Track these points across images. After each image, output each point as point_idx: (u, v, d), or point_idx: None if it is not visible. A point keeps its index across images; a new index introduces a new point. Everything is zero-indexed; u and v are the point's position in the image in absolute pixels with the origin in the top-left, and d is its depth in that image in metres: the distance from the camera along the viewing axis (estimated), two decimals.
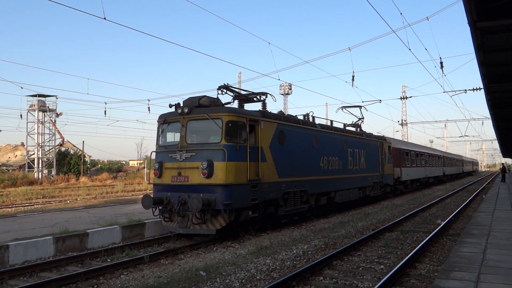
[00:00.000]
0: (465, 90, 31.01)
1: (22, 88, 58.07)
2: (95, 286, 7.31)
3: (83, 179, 45.83)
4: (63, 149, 52.49)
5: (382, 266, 8.04)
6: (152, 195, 11.12)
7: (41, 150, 47.60)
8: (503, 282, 5.60)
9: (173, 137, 11.56)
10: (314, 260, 8.17)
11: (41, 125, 47.28)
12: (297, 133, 13.43)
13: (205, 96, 11.26)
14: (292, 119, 13.59)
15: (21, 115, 45.60)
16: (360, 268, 7.94)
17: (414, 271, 7.71)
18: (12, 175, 42.37)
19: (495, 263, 6.63)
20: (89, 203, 20.91)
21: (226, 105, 11.78)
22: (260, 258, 8.55)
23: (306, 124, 14.29)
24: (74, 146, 61.30)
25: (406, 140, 49.37)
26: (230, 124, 10.64)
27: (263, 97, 12.94)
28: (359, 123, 20.96)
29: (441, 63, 19.62)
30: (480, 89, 29.02)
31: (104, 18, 11.56)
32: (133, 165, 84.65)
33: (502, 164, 56.79)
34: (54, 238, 9.52)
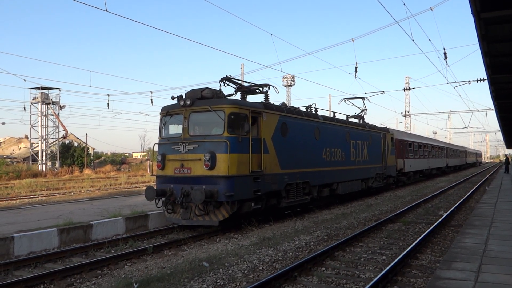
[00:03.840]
0: (469, 81, 30.82)
1: (25, 80, 58.22)
2: (99, 277, 7.39)
3: (86, 171, 46.01)
4: (66, 141, 52.65)
5: (384, 257, 8.08)
6: (155, 187, 11.18)
7: (45, 143, 47.78)
8: (505, 272, 5.62)
9: (175, 129, 11.59)
10: (317, 251, 8.21)
11: (44, 117, 47.40)
12: (300, 125, 13.42)
13: (207, 88, 11.26)
14: (295, 110, 13.57)
15: (24, 108, 45.74)
16: (362, 259, 7.98)
17: (416, 262, 7.75)
18: (16, 167, 42.61)
19: (496, 254, 6.65)
20: (93, 195, 21.04)
21: (228, 97, 11.77)
22: (263, 249, 8.61)
23: (308, 115, 14.27)
24: (77, 138, 61.47)
25: (409, 132, 49.24)
26: (232, 116, 10.65)
27: (265, 89, 12.92)
28: (362, 115, 20.91)
29: (445, 54, 19.54)
30: (484, 80, 28.83)
31: (106, 10, 11.54)
32: (136, 157, 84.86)
33: (506, 155, 56.60)
34: (59, 230, 9.60)
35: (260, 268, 7.33)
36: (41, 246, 9.18)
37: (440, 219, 11.73)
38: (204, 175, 10.43)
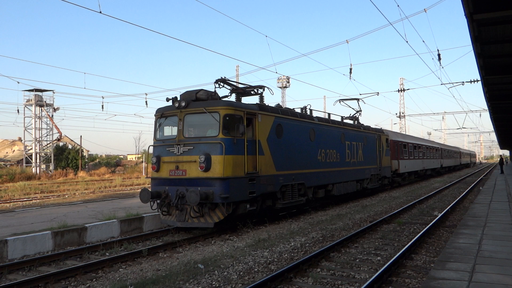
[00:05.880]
0: (463, 82, 31.06)
1: (18, 83, 57.67)
2: (94, 279, 7.35)
3: (81, 173, 45.78)
4: (60, 143, 52.37)
5: (379, 258, 8.10)
6: (150, 189, 11.15)
7: (39, 145, 47.50)
8: (498, 272, 5.66)
9: (170, 131, 11.57)
10: (312, 252, 8.22)
11: (38, 120, 47.13)
12: (295, 126, 13.45)
13: (202, 89, 11.25)
14: (290, 112, 13.59)
15: (18, 110, 45.47)
16: (357, 260, 8.00)
17: (411, 262, 7.77)
18: (10, 170, 42.27)
19: (490, 254, 6.69)
20: (88, 198, 20.93)
21: (223, 99, 11.77)
22: (258, 251, 8.60)
23: (303, 117, 14.30)
24: (71, 140, 61.19)
25: (403, 133, 49.45)
26: (227, 118, 10.65)
27: (260, 90, 12.94)
28: (357, 116, 20.98)
29: (439, 55, 19.64)
30: (477, 81, 29.05)
31: (100, 12, 11.51)
32: (131, 159, 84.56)
33: (500, 156, 57.06)
34: (53, 233, 9.54)
35: (256, 269, 7.33)
36: (35, 249, 9.11)
37: (435, 220, 11.78)
38: (199, 177, 10.41)
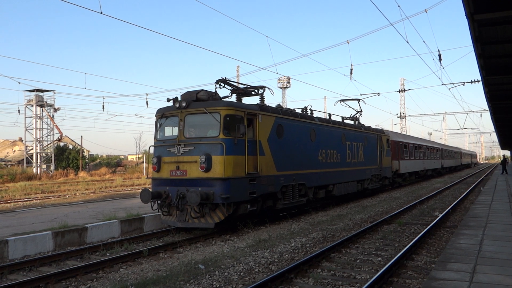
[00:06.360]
0: (463, 82, 31.08)
1: (19, 83, 57.61)
2: (94, 280, 7.35)
3: (82, 174, 45.81)
4: (61, 144, 52.42)
5: (379, 258, 8.09)
6: (150, 190, 11.15)
7: (40, 145, 47.53)
8: (499, 272, 5.65)
9: (171, 131, 11.57)
10: (312, 253, 8.22)
11: (39, 120, 47.16)
12: (295, 127, 13.44)
13: (203, 90, 11.26)
14: (290, 112, 13.59)
15: (19, 110, 45.53)
16: (358, 260, 7.99)
17: (411, 263, 7.77)
18: (10, 170, 42.30)
19: (491, 254, 6.68)
20: (88, 198, 20.94)
21: (224, 99, 11.77)
22: (259, 251, 8.60)
23: (304, 117, 14.30)
24: (72, 141, 61.23)
25: (404, 133, 49.43)
26: (228, 118, 10.65)
27: (261, 91, 12.94)
28: (358, 116, 20.97)
29: (440, 55, 19.63)
30: (478, 81, 29.05)
31: (101, 13, 11.52)
32: (131, 159, 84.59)
33: (503, 156, 56.97)
34: (53, 233, 9.55)
35: (256, 270, 7.32)
36: (35, 250, 9.11)
37: (435, 220, 11.77)
38: (200, 177, 10.41)
